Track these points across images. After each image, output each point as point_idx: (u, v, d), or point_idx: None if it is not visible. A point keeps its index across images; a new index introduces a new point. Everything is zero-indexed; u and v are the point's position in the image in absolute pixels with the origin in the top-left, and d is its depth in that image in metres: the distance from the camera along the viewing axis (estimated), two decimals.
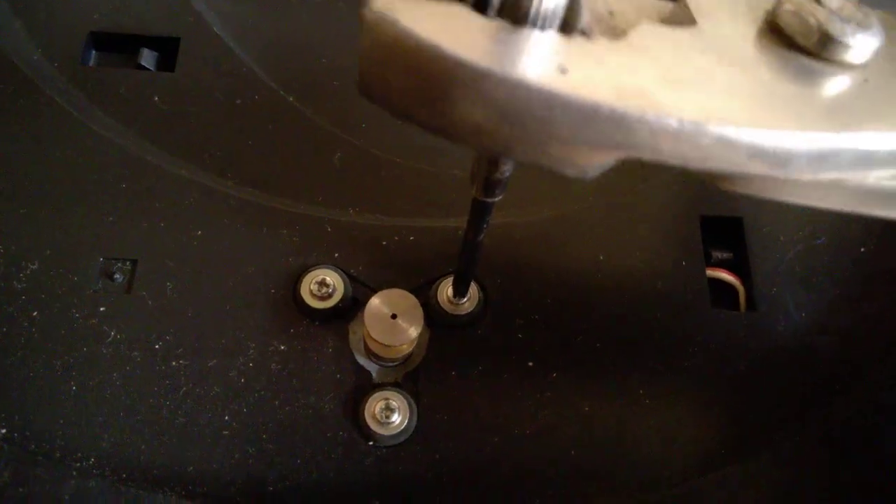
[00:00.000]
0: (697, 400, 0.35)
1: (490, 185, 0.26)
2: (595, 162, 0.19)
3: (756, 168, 0.19)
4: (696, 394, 0.35)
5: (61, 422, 0.32)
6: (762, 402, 0.35)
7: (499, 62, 0.17)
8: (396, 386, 0.34)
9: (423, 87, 0.18)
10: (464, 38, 0.17)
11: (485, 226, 0.29)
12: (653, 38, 0.20)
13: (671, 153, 0.18)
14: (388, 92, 0.19)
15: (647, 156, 0.19)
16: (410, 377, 0.35)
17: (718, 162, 0.19)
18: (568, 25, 0.19)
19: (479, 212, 0.28)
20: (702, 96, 0.19)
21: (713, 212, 0.39)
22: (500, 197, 0.27)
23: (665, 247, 0.38)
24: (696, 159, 0.19)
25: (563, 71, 0.18)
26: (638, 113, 0.18)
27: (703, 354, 0.36)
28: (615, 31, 0.20)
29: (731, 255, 0.39)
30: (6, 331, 0.33)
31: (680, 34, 0.20)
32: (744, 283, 0.38)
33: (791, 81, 0.20)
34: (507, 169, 0.25)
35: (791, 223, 0.39)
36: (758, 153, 0.19)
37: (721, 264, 0.39)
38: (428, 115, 0.19)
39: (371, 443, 0.33)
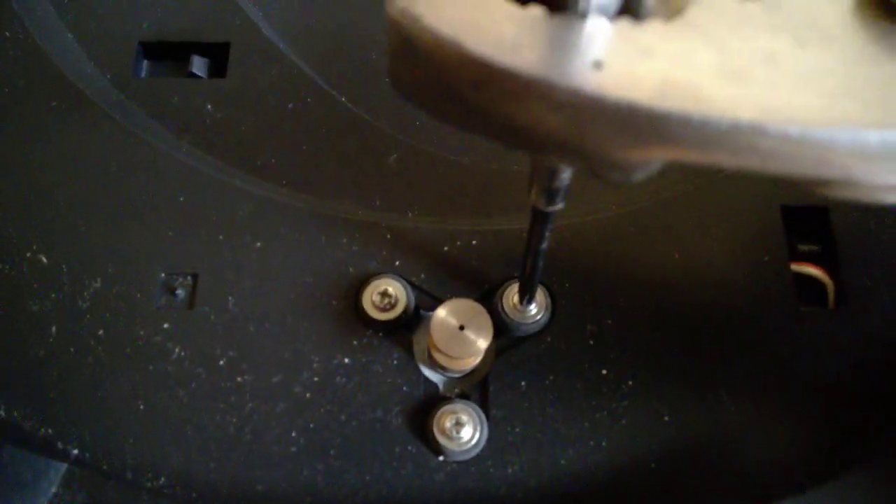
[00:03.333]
0: (787, 406, 0.33)
1: (549, 194, 0.24)
2: (638, 166, 0.17)
3: (832, 172, 0.17)
4: (785, 399, 0.33)
5: (131, 441, 0.32)
6: (857, 406, 0.33)
7: (522, 59, 0.16)
8: (464, 398, 0.33)
9: (446, 85, 0.17)
10: (489, 31, 0.16)
11: (547, 234, 0.28)
12: (715, 15, 0.17)
13: (725, 157, 0.16)
14: (413, 88, 0.18)
15: (698, 160, 0.16)
16: (478, 388, 0.34)
17: (784, 166, 0.16)
18: (627, 9, 0.17)
19: (540, 221, 0.27)
20: (766, 89, 0.16)
21: (796, 201, 0.36)
22: (562, 206, 0.25)
23: (744, 241, 0.36)
24: (755, 163, 0.16)
25: (597, 66, 0.16)
26: (682, 113, 0.15)
27: (791, 355, 0.34)
28: (670, 8, 0.18)
29: (818, 247, 0.36)
30: (72, 351, 0.33)
31: (750, 8, 0.18)
32: (832, 276, 0.36)
33: (886, 61, 0.17)
34: (566, 177, 0.24)
35: (884, 209, 0.36)
36: (832, 156, 0.16)
37: (807, 257, 0.36)
38: (454, 113, 0.18)
39: (441, 458, 0.32)
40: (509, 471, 0.32)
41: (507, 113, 0.17)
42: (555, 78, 0.16)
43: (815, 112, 0.16)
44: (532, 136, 0.17)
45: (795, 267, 0.35)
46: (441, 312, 0.31)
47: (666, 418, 0.33)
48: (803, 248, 0.36)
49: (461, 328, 0.31)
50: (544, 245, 0.28)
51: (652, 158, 0.17)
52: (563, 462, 0.32)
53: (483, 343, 0.31)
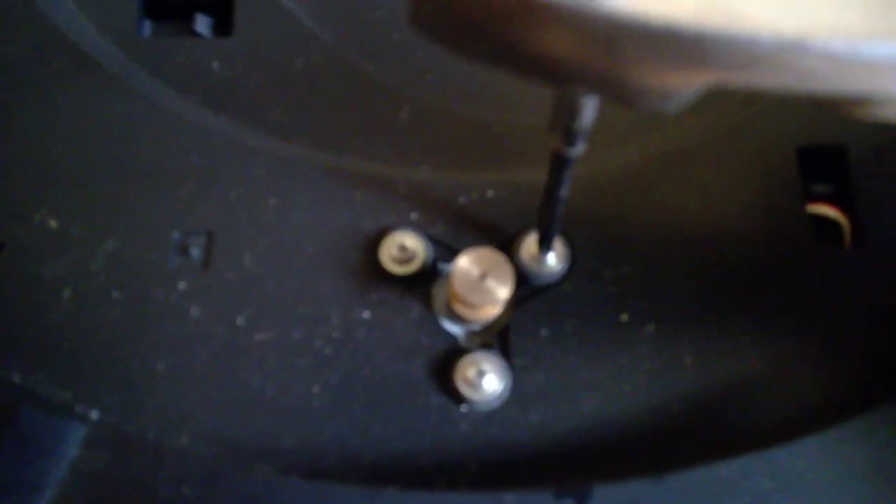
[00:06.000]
0: (806, 347, 0.33)
1: (571, 135, 0.24)
2: (675, 93, 0.17)
3: (880, 88, 0.16)
4: (804, 340, 0.33)
5: (152, 403, 0.32)
6: (876, 347, 0.33)
7: None
8: (486, 348, 0.33)
9: (470, 16, 0.16)
10: None
11: (567, 180, 0.27)
12: None
13: (767, 77, 0.16)
14: (435, 24, 0.17)
15: (738, 81, 0.16)
16: (499, 339, 0.33)
17: (830, 84, 0.16)
18: None
19: (561, 166, 0.26)
20: (808, 6, 0.16)
21: (810, 141, 0.36)
22: (583, 149, 0.25)
23: (760, 184, 0.35)
24: (799, 83, 0.16)
25: None
26: (721, 32, 0.15)
27: (809, 297, 0.34)
28: None
29: (834, 188, 0.36)
30: (87, 314, 0.33)
31: None
32: (848, 217, 0.35)
33: None
34: (588, 116, 0.23)
35: None
36: (880, 71, 0.16)
37: (822, 198, 0.36)
38: (480, 47, 0.17)
39: (464, 409, 0.32)
40: (532, 419, 0.32)
41: (538, 44, 0.16)
42: (587, 3, 0.15)
43: (860, 28, 0.16)
44: (564, 68, 0.17)
45: (812, 208, 0.35)
46: (462, 261, 0.31)
47: (687, 362, 0.33)
48: (819, 188, 0.36)
49: (482, 277, 0.31)
50: (564, 192, 0.28)
51: (690, 83, 0.17)
52: (586, 409, 0.32)
53: (505, 292, 0.31)
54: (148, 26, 0.40)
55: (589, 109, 0.23)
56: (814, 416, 0.32)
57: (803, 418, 0.32)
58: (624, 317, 0.33)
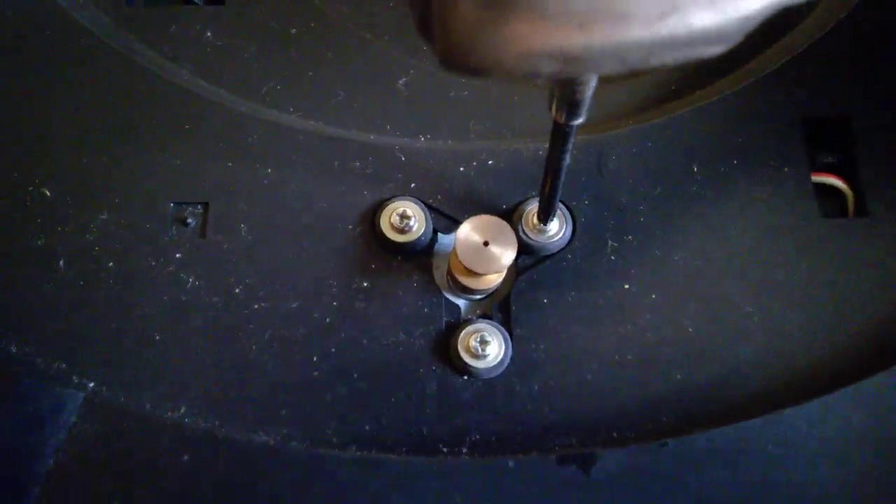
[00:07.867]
0: (809, 314, 0.33)
1: (572, 107, 0.24)
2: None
3: None
4: (808, 308, 0.33)
5: (148, 373, 0.31)
6: (880, 315, 0.33)
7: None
8: (487, 318, 0.33)
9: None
10: None
11: (568, 149, 0.27)
12: None
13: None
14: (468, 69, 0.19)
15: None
16: (500, 308, 0.33)
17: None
18: None
19: (562, 136, 0.26)
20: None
21: (816, 112, 0.36)
22: (583, 119, 0.24)
23: (765, 153, 0.35)
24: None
25: None
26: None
27: (812, 265, 0.33)
28: None
29: (837, 158, 0.36)
30: (83, 284, 0.33)
31: None
32: (851, 186, 0.35)
33: None
34: (588, 89, 0.23)
35: None
36: None
37: (826, 168, 0.36)
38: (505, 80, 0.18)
39: (466, 377, 0.32)
40: (535, 387, 0.32)
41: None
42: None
43: None
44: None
45: (816, 178, 0.35)
46: (465, 228, 0.30)
47: (690, 330, 0.32)
48: (822, 158, 0.36)
49: (485, 244, 0.30)
50: (565, 161, 0.28)
51: None
52: (588, 377, 0.32)
53: (508, 258, 0.30)
54: None
55: (589, 84, 0.23)
56: (815, 382, 0.31)
57: (804, 384, 0.31)
58: (626, 286, 0.33)
